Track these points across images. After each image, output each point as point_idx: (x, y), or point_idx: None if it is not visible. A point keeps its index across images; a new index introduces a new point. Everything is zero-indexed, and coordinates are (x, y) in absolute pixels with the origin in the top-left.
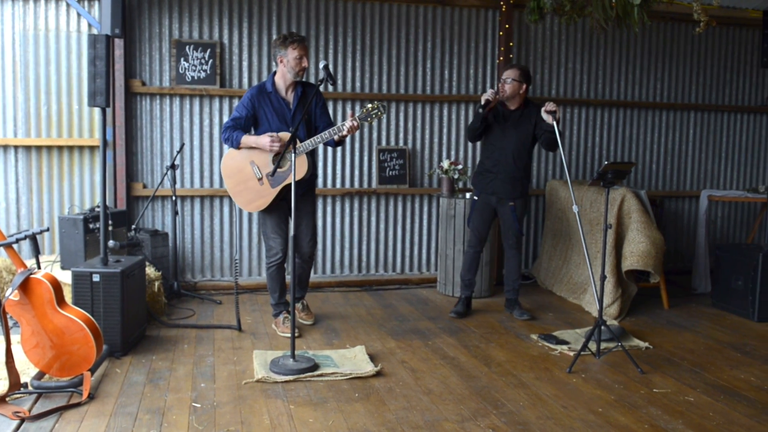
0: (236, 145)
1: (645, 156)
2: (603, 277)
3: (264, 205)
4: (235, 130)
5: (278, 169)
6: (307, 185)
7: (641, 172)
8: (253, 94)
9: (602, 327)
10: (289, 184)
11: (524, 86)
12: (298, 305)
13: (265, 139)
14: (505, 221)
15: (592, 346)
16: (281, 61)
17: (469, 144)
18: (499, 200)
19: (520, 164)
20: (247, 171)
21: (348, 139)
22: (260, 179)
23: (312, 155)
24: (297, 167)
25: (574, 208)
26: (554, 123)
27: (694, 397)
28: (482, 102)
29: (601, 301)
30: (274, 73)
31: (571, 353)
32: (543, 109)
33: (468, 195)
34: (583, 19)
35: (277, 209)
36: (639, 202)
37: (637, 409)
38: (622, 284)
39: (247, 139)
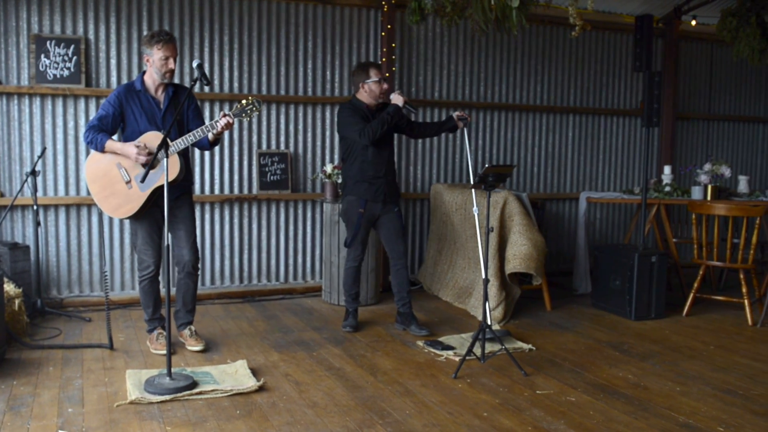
0: (100, 149)
1: (526, 159)
2: (486, 281)
3: (133, 211)
4: (100, 132)
5: (150, 171)
6: (182, 189)
7: (523, 175)
8: (121, 92)
9: (487, 331)
10: (160, 187)
11: None
12: (186, 331)
13: (131, 149)
14: (390, 228)
15: (478, 350)
16: (148, 61)
17: None
18: (385, 207)
19: (394, 164)
20: (113, 174)
21: (226, 143)
22: (128, 182)
23: (186, 157)
24: (169, 167)
25: (474, 210)
26: (465, 128)
27: (575, 396)
28: (404, 105)
29: (485, 304)
30: (144, 72)
31: (457, 358)
32: (456, 114)
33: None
34: (465, 21)
35: (148, 217)
36: (521, 205)
37: (521, 412)
38: (506, 287)
39: (112, 145)
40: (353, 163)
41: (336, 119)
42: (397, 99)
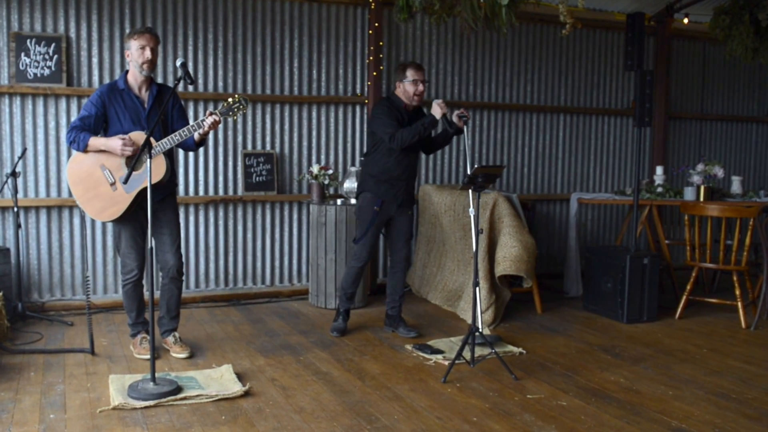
0: (83, 148)
1: (516, 159)
2: (476, 283)
3: (119, 213)
4: (82, 131)
5: (133, 172)
6: (167, 190)
7: (513, 176)
8: (103, 92)
9: (476, 334)
10: (146, 189)
11: None
12: (170, 338)
13: (116, 142)
14: (400, 230)
15: (467, 354)
16: (128, 56)
17: (340, 148)
18: (399, 209)
19: (416, 168)
20: (97, 175)
21: (211, 143)
22: (113, 184)
23: (171, 157)
24: (154, 168)
25: (470, 212)
26: (465, 127)
27: (566, 401)
28: (442, 117)
29: (474, 307)
30: (127, 71)
31: (446, 362)
32: (456, 113)
33: (340, 201)
34: (453, 19)
35: (132, 220)
36: (510, 206)
37: (512, 416)
38: (496, 290)
39: (96, 141)
40: (378, 161)
41: (371, 111)
42: (436, 110)
